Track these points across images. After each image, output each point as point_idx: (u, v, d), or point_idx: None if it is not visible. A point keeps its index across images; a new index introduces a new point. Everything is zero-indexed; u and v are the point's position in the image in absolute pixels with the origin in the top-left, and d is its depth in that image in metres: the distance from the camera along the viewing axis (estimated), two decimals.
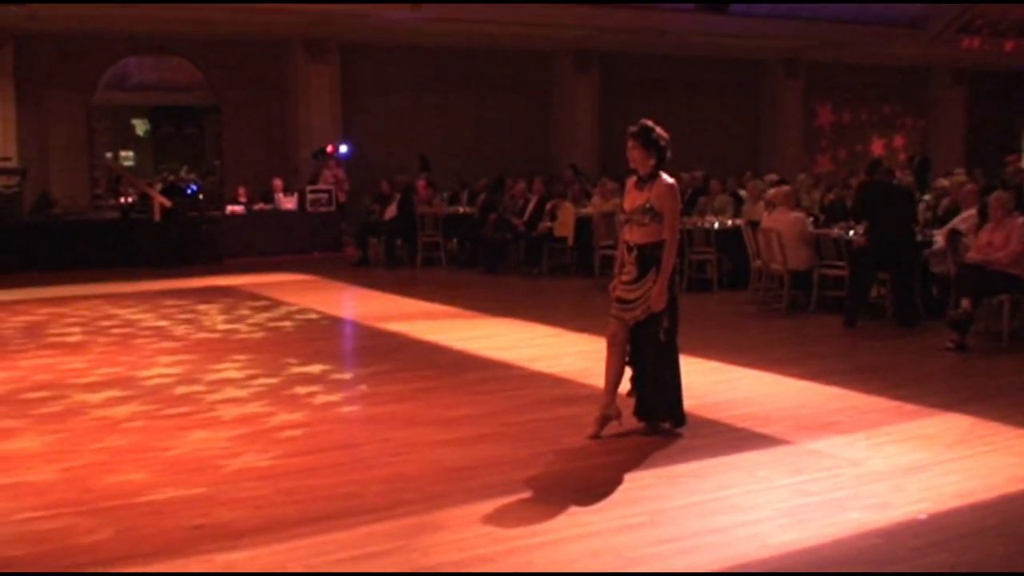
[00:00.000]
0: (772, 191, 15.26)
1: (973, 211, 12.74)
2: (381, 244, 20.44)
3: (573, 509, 6.21)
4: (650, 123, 7.74)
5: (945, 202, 15.31)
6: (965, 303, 11.05)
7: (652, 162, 7.63)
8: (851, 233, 13.47)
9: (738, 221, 15.93)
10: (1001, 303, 11.42)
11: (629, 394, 7.90)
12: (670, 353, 7.77)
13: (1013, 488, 6.56)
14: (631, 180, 7.87)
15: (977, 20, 27.12)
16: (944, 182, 17.15)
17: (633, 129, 7.71)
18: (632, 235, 7.71)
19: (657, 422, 7.84)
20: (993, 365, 10.58)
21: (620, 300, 7.74)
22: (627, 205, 7.81)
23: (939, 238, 12.72)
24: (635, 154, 7.68)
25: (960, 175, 18.50)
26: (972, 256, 11.43)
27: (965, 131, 32.91)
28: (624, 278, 7.74)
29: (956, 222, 12.81)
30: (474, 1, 21.63)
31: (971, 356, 10.88)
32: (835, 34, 26.66)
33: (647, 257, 7.60)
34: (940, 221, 14.18)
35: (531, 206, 18.98)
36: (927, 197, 16.64)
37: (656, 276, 7.55)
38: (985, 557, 5.56)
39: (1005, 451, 7.36)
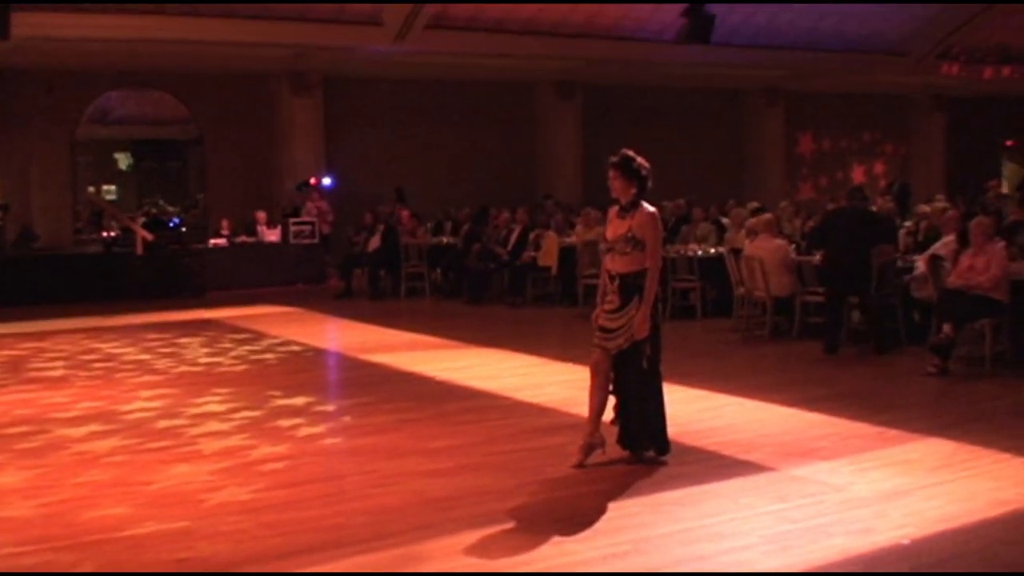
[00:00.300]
0: (753, 219, 15.33)
1: (953, 236, 12.79)
2: (365, 275, 20.43)
3: (558, 539, 6.19)
4: (631, 153, 7.76)
5: (924, 226, 15.38)
6: (947, 328, 11.08)
7: (633, 191, 7.65)
8: None
9: (721, 249, 15.97)
10: (983, 328, 11.44)
11: (612, 422, 7.89)
12: (653, 381, 7.77)
13: (995, 512, 6.56)
14: (613, 209, 7.88)
15: (955, 47, 27.32)
16: (925, 208, 17.22)
17: (614, 159, 7.73)
18: (614, 264, 7.72)
19: (641, 450, 7.83)
20: (975, 390, 10.60)
21: (603, 329, 7.74)
22: (609, 234, 7.82)
23: (920, 264, 12.76)
24: (616, 183, 7.70)
25: (941, 201, 18.59)
26: (953, 281, 11.46)
27: (945, 157, 33.09)
28: (606, 307, 7.74)
29: (937, 247, 12.86)
30: None
31: (953, 381, 10.90)
32: (815, 63, 26.84)
33: (629, 286, 7.60)
34: (921, 247, 14.23)
35: (515, 236, 19.01)
36: (908, 223, 16.70)
37: (639, 304, 7.56)
38: None
39: (987, 475, 7.36)
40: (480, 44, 22.76)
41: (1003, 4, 25.49)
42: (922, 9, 25.90)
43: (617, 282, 7.67)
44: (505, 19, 22.50)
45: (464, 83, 26.66)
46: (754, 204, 19.07)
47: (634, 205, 7.66)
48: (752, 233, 14.65)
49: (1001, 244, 11.58)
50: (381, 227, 20.53)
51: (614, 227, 7.77)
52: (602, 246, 8.08)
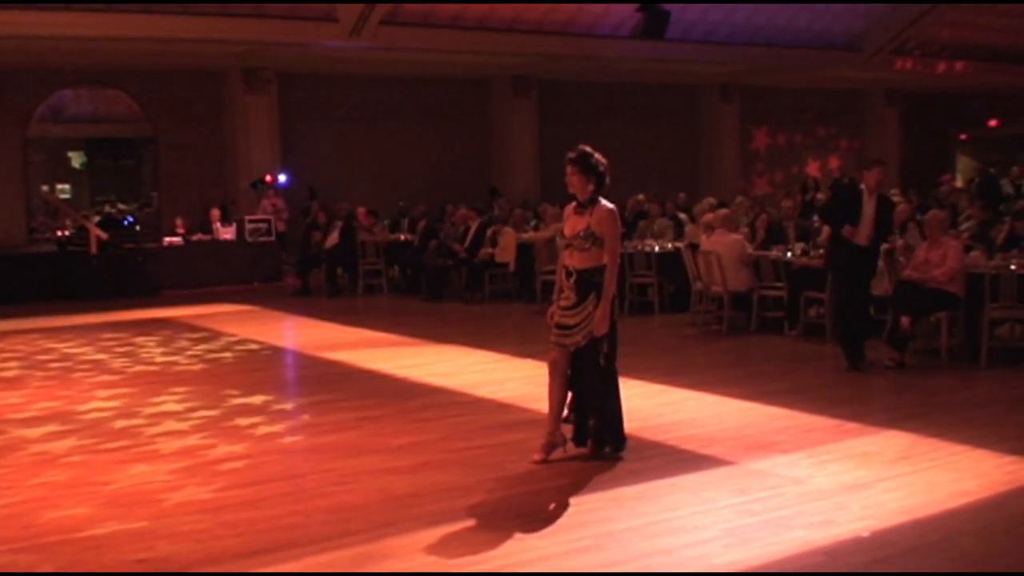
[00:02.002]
0: (710, 215, 15.38)
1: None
2: (322, 273, 20.36)
3: (519, 535, 6.19)
4: (589, 149, 7.76)
5: None
6: (904, 321, 11.14)
7: (591, 187, 7.65)
8: (788, 255, 13.62)
9: (679, 244, 16.00)
10: (939, 321, 11.53)
11: (566, 419, 7.90)
12: (611, 377, 7.78)
13: (954, 504, 6.62)
14: (571, 206, 7.88)
15: (910, 42, 27.51)
16: None
17: (572, 155, 7.73)
18: (572, 260, 7.72)
19: (599, 447, 7.84)
20: (932, 382, 10.66)
21: (560, 326, 7.73)
22: (567, 230, 7.82)
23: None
24: (574, 180, 7.70)
25: (895, 196, 18.68)
26: (909, 274, 11.53)
27: (899, 151, 33.32)
28: (562, 303, 7.74)
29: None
30: None
31: (910, 374, 10.98)
32: (770, 59, 26.92)
33: (586, 282, 7.62)
34: None
35: (472, 232, 18.97)
36: None
37: (596, 301, 7.56)
38: (928, 573, 5.59)
39: (946, 467, 7.42)
40: (435, 40, 22.67)
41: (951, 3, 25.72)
42: (874, 6, 26.05)
43: (574, 278, 7.68)
44: (460, 15, 22.46)
45: (420, 79, 26.60)
46: (711, 199, 19.14)
47: (592, 201, 7.67)
48: (709, 228, 14.70)
49: (956, 239, 11.67)
50: (339, 224, 20.46)
51: (572, 223, 7.77)
52: (560, 242, 8.09)
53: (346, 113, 25.91)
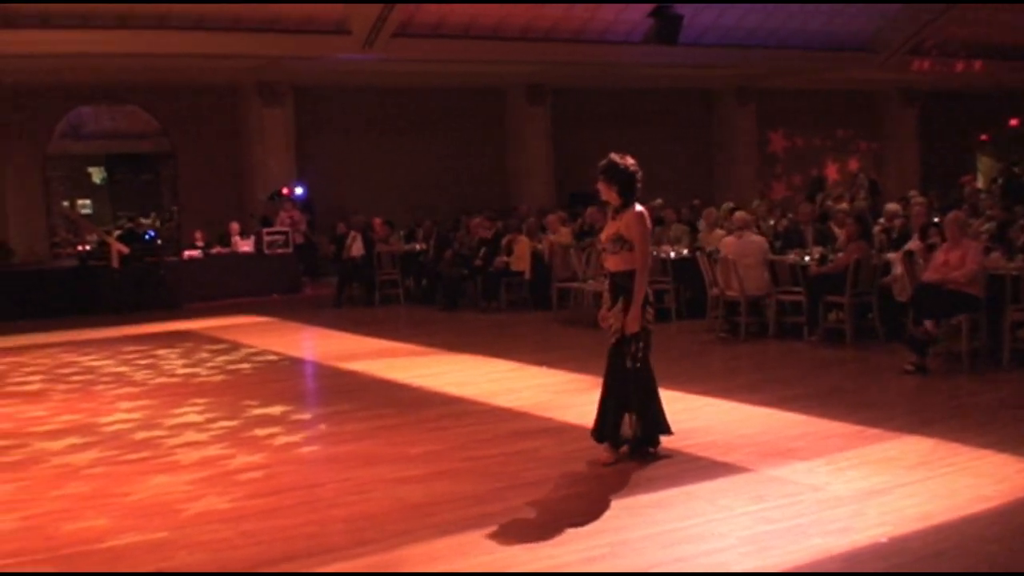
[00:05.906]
0: (731, 217, 15.32)
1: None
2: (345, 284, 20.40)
3: (534, 543, 6.18)
4: (614, 156, 7.99)
5: (899, 224, 15.39)
6: (928, 324, 11.05)
7: (616, 194, 7.88)
8: (806, 259, 13.59)
9: (695, 249, 15.93)
10: (959, 324, 11.43)
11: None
12: (642, 378, 7.94)
13: (974, 509, 6.56)
14: (610, 211, 8.11)
15: (927, 41, 27.40)
16: (893, 206, 17.21)
17: (600, 165, 7.94)
18: (608, 263, 8.03)
19: (640, 445, 8.01)
20: (953, 386, 10.59)
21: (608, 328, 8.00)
22: (604, 235, 8.14)
23: (897, 264, 12.71)
24: (601, 188, 7.97)
25: (917, 198, 18.59)
26: (929, 276, 11.44)
27: (918, 152, 33.15)
28: (605, 305, 8.05)
29: (911, 244, 12.88)
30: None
31: (931, 377, 10.88)
32: (785, 61, 26.85)
33: (618, 285, 7.88)
34: (895, 244, 14.25)
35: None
36: (881, 220, 16.71)
37: (626, 303, 7.78)
38: None
39: (966, 472, 7.36)
40: (447, 50, 22.74)
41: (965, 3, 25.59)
42: (889, 6, 25.97)
43: (608, 281, 8.02)
44: (471, 24, 22.49)
45: (433, 89, 26.65)
46: (729, 204, 19.08)
47: (625, 206, 7.87)
48: (734, 230, 14.61)
49: (975, 240, 11.58)
50: (358, 235, 20.47)
51: (608, 228, 8.05)
52: (599, 247, 8.31)
53: (361, 125, 25.98)
